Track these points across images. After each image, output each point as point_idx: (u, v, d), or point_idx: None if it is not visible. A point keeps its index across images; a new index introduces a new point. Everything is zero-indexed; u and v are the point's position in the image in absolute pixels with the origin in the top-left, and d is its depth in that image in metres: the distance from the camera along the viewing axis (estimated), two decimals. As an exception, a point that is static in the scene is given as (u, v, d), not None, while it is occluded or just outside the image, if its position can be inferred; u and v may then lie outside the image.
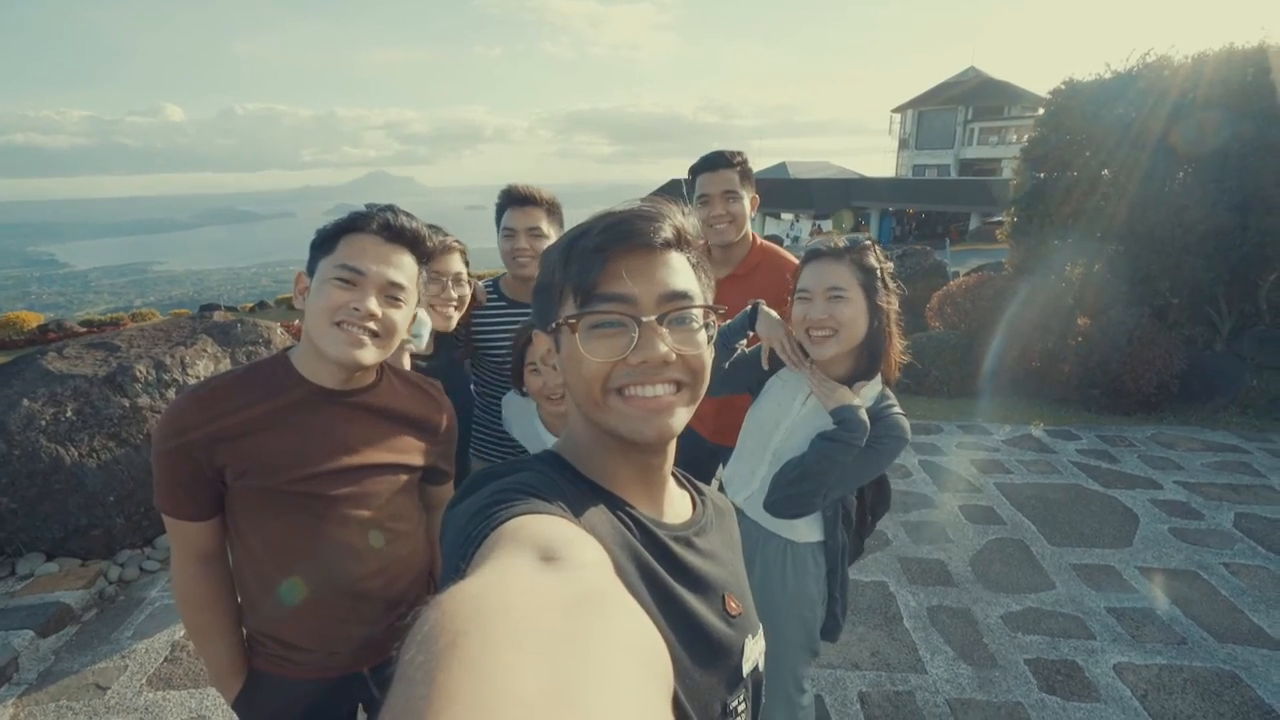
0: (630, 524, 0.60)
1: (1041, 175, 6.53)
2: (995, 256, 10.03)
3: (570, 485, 0.59)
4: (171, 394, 3.30)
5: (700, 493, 0.75)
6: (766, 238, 2.29)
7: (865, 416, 1.39)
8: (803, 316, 1.42)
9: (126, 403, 3.19)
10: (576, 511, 0.55)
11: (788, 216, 32.01)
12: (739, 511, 1.57)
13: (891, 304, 1.43)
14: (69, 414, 3.03)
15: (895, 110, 38.96)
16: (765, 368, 1.56)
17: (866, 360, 1.44)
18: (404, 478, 1.19)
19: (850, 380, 1.45)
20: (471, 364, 2.16)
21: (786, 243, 20.70)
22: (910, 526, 3.60)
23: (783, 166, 36.22)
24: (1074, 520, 3.65)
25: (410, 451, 1.20)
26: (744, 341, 1.64)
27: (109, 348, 3.38)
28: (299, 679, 1.18)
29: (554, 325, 0.63)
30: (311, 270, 1.08)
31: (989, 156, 33.49)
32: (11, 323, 11.66)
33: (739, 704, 0.64)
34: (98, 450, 3.05)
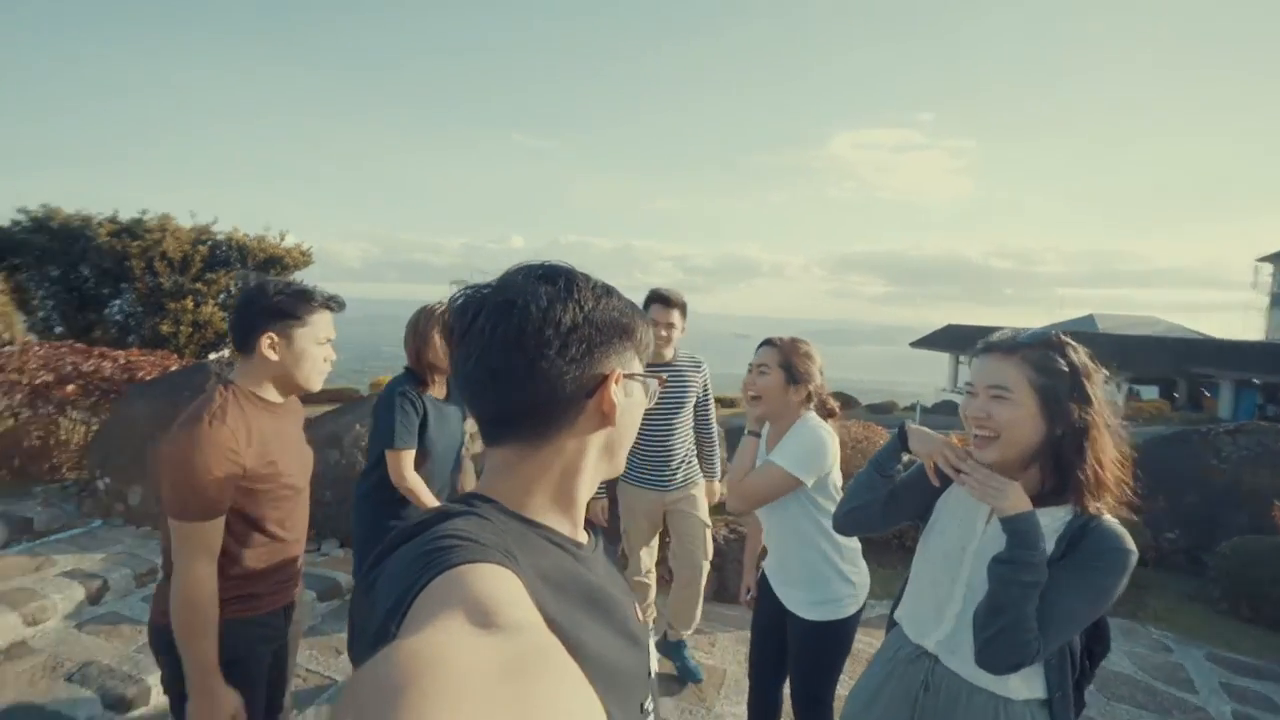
0: (562, 549, 0.66)
1: None
2: None
3: (503, 522, 0.62)
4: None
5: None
6: None
7: (1039, 524, 1.20)
8: (964, 411, 1.30)
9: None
10: (513, 547, 0.57)
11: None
12: (934, 659, 1.39)
13: (1093, 415, 1.23)
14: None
15: (1264, 259, 31.09)
16: (936, 484, 1.42)
17: (1051, 478, 1.25)
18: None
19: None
20: None
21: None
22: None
23: (1090, 319, 31.23)
24: None
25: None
26: (899, 468, 1.54)
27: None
28: (262, 614, 1.54)
29: (639, 374, 0.71)
30: (286, 335, 1.52)
31: None
32: (380, 384, 16.56)
33: (650, 704, 0.67)
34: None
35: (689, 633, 3.12)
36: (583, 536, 0.72)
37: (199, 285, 10.18)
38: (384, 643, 0.43)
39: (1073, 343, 1.28)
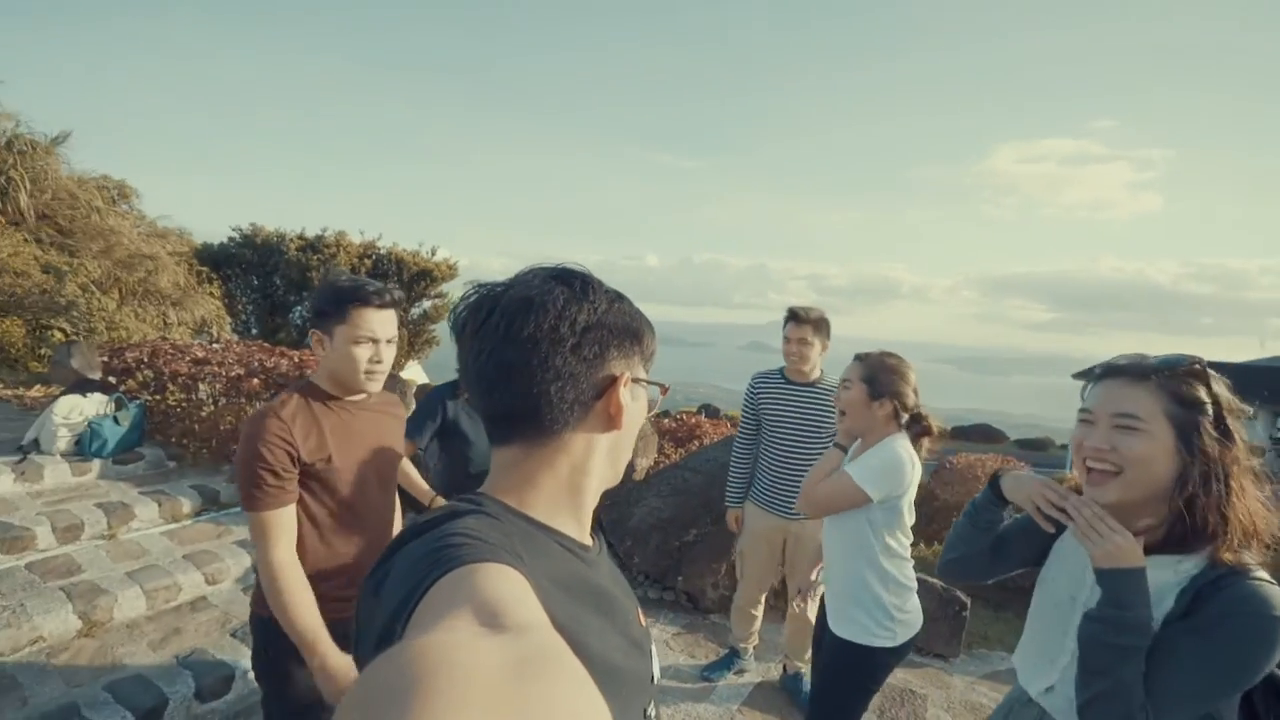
0: (569, 550, 0.66)
1: None
2: None
3: (510, 521, 0.63)
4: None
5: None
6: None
7: (1143, 581, 1.03)
8: (1079, 443, 1.15)
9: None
10: (520, 547, 0.58)
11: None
12: (1041, 711, 1.28)
13: (1236, 455, 1.06)
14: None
15: None
16: (1050, 530, 1.27)
17: (1180, 523, 1.07)
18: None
19: (1151, 551, 1.09)
20: (760, 429, 2.93)
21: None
22: None
23: (1315, 355, 25.93)
24: None
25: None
26: (1002, 519, 1.41)
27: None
28: (329, 620, 1.45)
29: (645, 380, 0.73)
30: (329, 332, 1.52)
31: None
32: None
33: (652, 709, 0.67)
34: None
35: (805, 665, 2.96)
36: (588, 539, 0.72)
37: (363, 295, 11.45)
38: (389, 641, 0.44)
39: (1214, 372, 1.11)
